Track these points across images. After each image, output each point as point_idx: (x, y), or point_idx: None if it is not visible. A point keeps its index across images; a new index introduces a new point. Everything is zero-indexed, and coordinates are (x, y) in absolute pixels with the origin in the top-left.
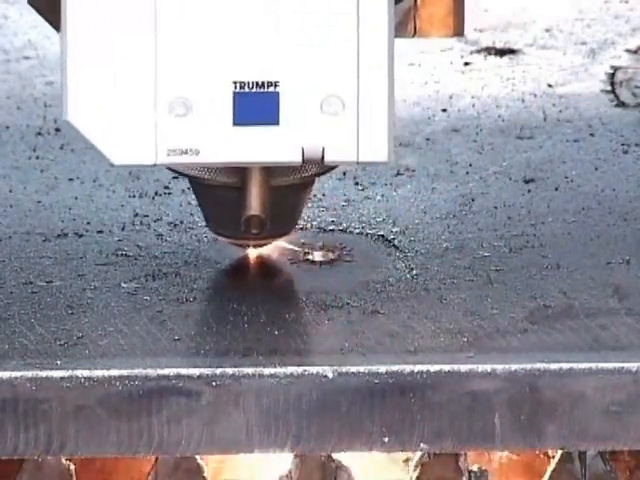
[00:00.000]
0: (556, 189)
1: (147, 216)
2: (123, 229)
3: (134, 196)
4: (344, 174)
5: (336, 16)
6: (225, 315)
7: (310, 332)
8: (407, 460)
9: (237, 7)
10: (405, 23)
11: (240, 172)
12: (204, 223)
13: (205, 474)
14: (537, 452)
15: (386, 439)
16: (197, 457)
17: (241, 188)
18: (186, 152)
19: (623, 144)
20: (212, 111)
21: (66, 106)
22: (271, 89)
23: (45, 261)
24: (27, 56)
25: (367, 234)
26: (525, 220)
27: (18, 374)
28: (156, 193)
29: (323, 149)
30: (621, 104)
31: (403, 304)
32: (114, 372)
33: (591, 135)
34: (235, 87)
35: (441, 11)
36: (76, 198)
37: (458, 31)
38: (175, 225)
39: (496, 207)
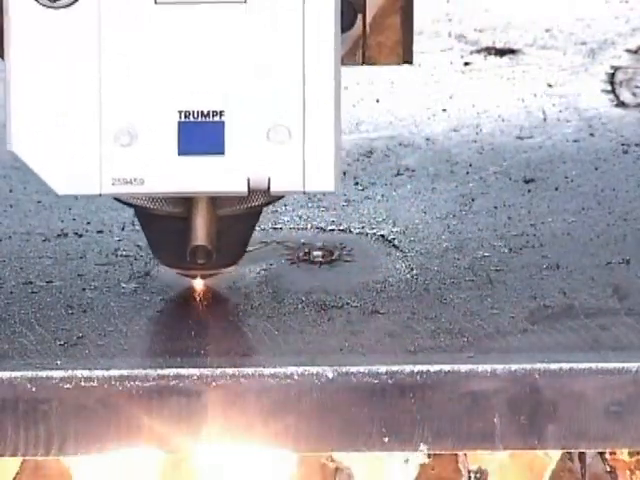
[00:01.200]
0: (556, 189)
1: None
2: (123, 229)
3: None
4: (344, 174)
5: (282, 45)
6: (225, 315)
7: (310, 332)
8: (407, 460)
9: (182, 37)
10: (353, 51)
11: (186, 202)
12: None
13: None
14: (537, 452)
15: (386, 439)
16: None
17: (187, 218)
18: (131, 182)
19: (623, 144)
20: (157, 141)
21: (10, 136)
22: (216, 118)
23: (45, 261)
24: None
25: (367, 234)
26: (525, 220)
27: (18, 374)
28: None
29: (269, 179)
30: (621, 104)
31: (403, 304)
32: (114, 372)
33: (591, 135)
34: (180, 116)
35: (390, 39)
36: (76, 198)
37: (407, 59)
38: None
39: (496, 207)
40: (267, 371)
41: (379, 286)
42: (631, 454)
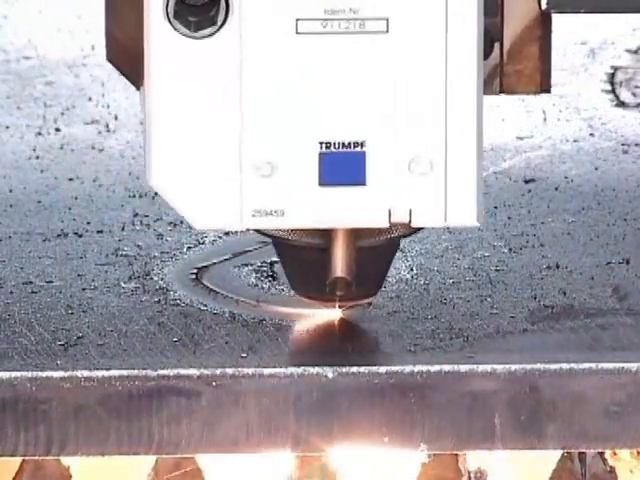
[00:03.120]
0: (556, 189)
1: (147, 216)
2: (123, 229)
3: (134, 196)
4: None
5: (424, 74)
6: (224, 314)
7: (310, 332)
8: (407, 460)
9: (323, 67)
10: (491, 80)
11: (324, 233)
12: None
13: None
14: (537, 452)
15: (386, 439)
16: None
17: (326, 250)
18: (271, 214)
19: (623, 144)
20: (298, 172)
21: (150, 170)
22: (358, 149)
23: (45, 261)
24: (27, 56)
25: None
26: (525, 220)
27: (18, 374)
28: (156, 193)
29: (410, 211)
30: (621, 104)
31: (403, 304)
32: (114, 372)
33: (591, 135)
34: (321, 147)
35: (528, 68)
36: (76, 198)
37: (545, 87)
38: (175, 225)
39: (496, 207)
40: (267, 371)
41: None
42: (631, 454)
